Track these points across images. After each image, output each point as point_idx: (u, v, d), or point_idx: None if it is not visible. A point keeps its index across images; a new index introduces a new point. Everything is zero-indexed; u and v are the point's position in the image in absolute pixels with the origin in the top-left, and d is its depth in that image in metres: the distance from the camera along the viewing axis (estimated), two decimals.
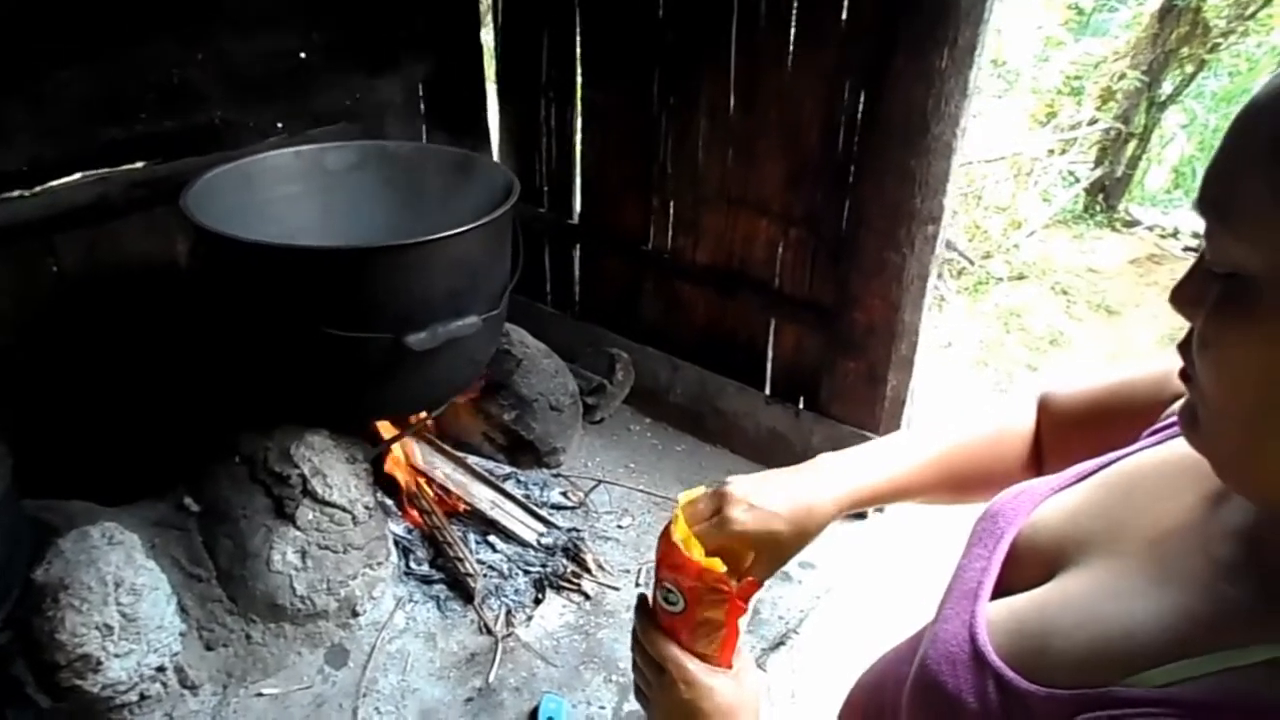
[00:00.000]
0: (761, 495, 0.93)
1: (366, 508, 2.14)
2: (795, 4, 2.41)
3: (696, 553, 0.86)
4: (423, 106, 3.17)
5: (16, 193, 2.36)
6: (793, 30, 2.44)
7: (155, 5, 2.49)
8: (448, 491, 2.44)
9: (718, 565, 0.85)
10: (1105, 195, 6.20)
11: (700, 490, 0.95)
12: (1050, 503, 0.81)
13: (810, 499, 0.94)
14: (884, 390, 2.58)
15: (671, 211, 2.87)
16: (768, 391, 2.87)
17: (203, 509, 2.10)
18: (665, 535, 0.89)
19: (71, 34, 2.35)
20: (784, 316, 2.76)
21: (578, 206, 3.11)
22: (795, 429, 2.75)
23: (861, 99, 2.38)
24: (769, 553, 0.92)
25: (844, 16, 2.35)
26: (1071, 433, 0.99)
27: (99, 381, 2.57)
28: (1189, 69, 5.84)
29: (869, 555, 2.49)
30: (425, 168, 2.48)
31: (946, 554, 0.91)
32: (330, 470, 2.11)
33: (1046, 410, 1.03)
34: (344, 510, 2.09)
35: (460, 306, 2.08)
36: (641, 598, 0.95)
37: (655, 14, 2.66)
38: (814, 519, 0.94)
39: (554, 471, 2.68)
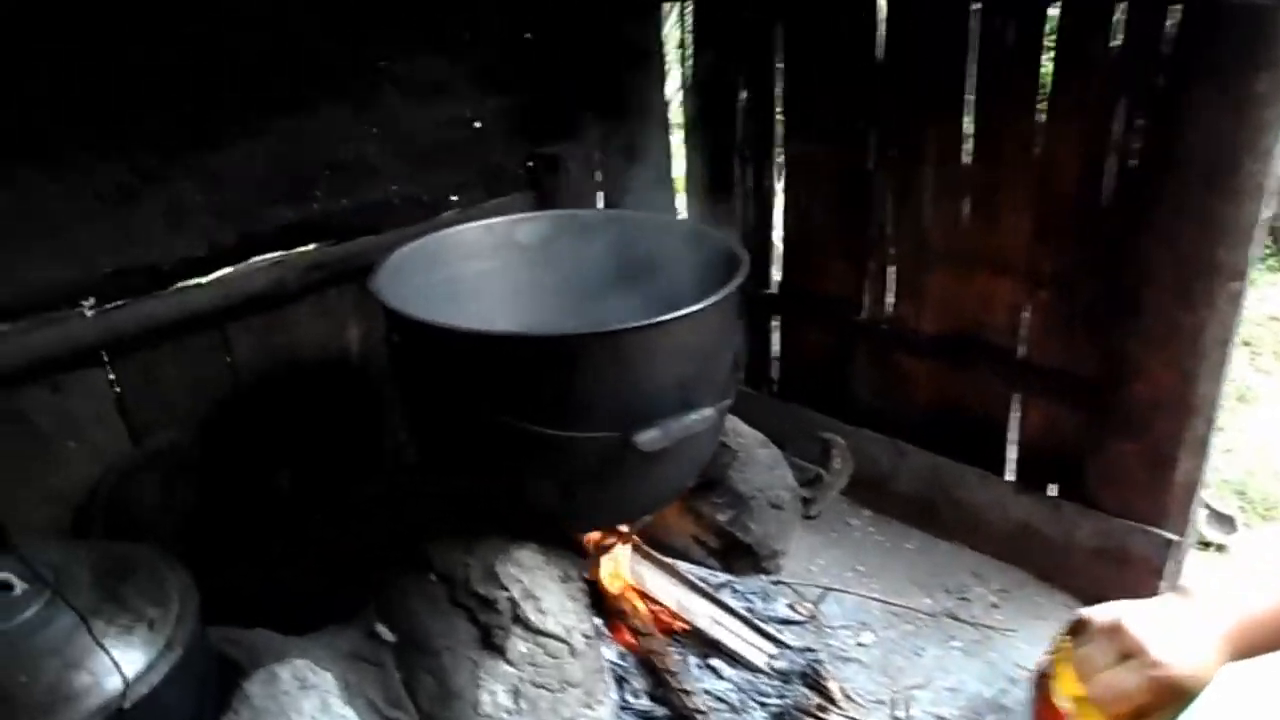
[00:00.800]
0: (1176, 639, 0.83)
1: (585, 636, 1.82)
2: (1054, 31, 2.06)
3: None
4: (599, 171, 2.92)
5: (193, 281, 2.18)
6: (1048, 62, 2.10)
7: (323, 73, 2.31)
8: (662, 607, 2.11)
9: None
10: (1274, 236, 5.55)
11: (1066, 637, 0.88)
12: None
13: (1220, 641, 0.85)
14: (1172, 476, 2.15)
15: (890, 275, 2.52)
16: (1011, 477, 2.46)
17: (399, 638, 1.82)
18: (1042, 692, 0.80)
19: (242, 107, 2.19)
20: (1031, 390, 2.37)
21: (776, 274, 2.80)
22: (1054, 522, 2.33)
23: (1142, 135, 2.00)
24: (1173, 709, 0.83)
25: (1116, 40, 1.99)
26: None
27: (273, 482, 2.35)
28: None
29: None
30: (627, 237, 2.20)
31: None
32: (543, 592, 1.81)
33: None
34: (560, 640, 1.78)
35: (690, 397, 1.78)
36: None
37: (871, 57, 2.35)
38: (1217, 666, 0.86)
39: (774, 578, 2.32)
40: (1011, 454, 2.47)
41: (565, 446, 1.70)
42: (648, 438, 1.68)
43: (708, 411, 1.77)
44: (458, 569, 1.86)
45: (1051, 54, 2.09)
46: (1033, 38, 2.11)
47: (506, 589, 1.80)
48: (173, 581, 1.50)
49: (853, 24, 2.35)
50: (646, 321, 1.64)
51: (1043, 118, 2.14)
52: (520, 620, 1.77)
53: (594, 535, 2.05)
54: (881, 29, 2.32)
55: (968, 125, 2.28)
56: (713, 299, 1.74)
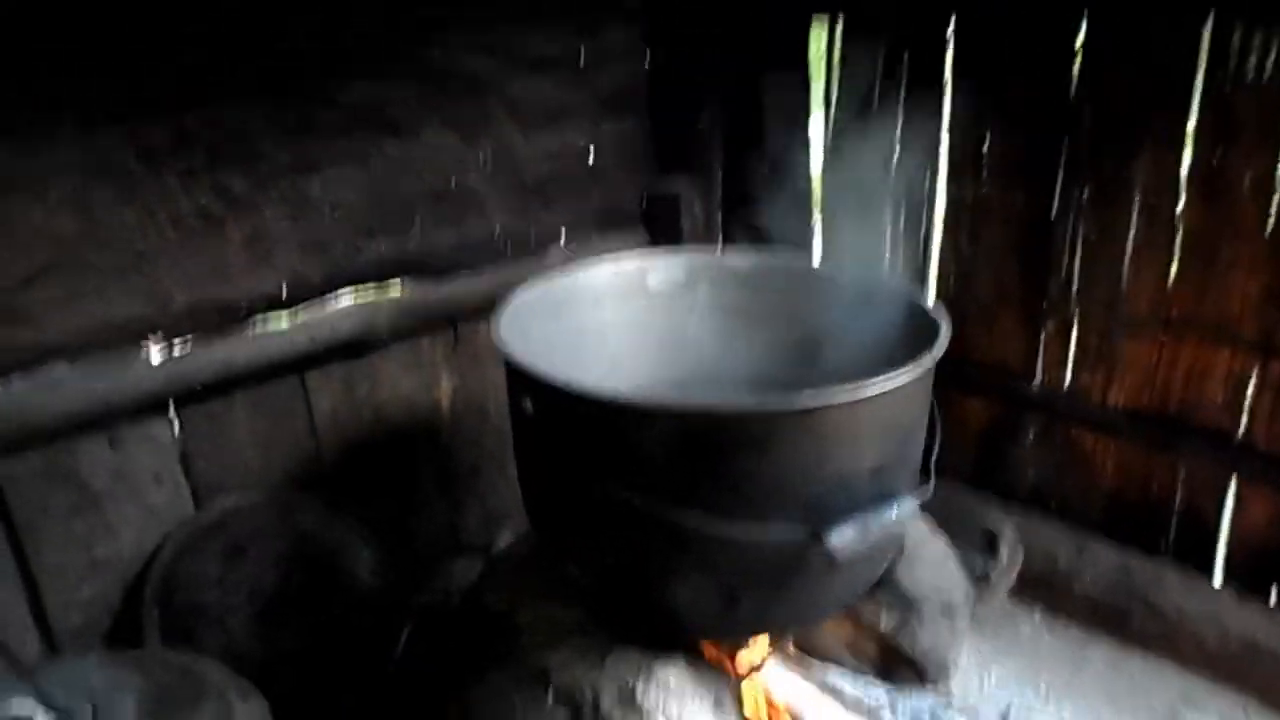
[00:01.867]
0: None
1: None
2: None
3: None
4: (721, 209, 2.60)
5: (273, 320, 1.88)
6: None
7: (433, 92, 2.02)
8: None
9: None
10: None
11: None
12: None
13: None
14: None
15: (1074, 338, 2.15)
16: (1219, 579, 2.06)
17: None
18: None
19: (340, 128, 1.90)
20: (1254, 479, 1.97)
21: None
22: None
23: None
24: None
25: None
26: None
27: (348, 561, 2.02)
28: None
29: None
30: (783, 287, 1.87)
31: None
32: None
33: None
34: None
35: (887, 486, 1.42)
36: None
37: (1065, 83, 2.01)
38: None
39: (942, 696, 1.94)
40: (1220, 551, 2.07)
41: (739, 546, 1.35)
42: (842, 538, 1.32)
43: (908, 505, 1.41)
44: (582, 686, 1.51)
45: None
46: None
47: (650, 718, 1.44)
48: (243, 716, 1.16)
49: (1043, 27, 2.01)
50: (852, 394, 1.29)
51: None
52: None
53: (743, 647, 1.68)
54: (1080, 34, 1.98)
55: (1184, 162, 1.91)
56: (920, 365, 1.39)
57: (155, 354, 1.72)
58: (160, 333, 1.73)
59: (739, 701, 1.60)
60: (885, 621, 1.88)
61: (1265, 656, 1.95)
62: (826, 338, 1.81)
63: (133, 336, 1.72)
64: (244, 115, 1.74)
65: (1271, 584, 1.99)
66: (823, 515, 1.34)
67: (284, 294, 1.91)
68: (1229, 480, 2.01)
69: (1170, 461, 2.08)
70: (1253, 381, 1.93)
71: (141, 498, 1.81)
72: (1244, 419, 1.96)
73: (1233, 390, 1.96)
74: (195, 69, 1.67)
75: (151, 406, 1.76)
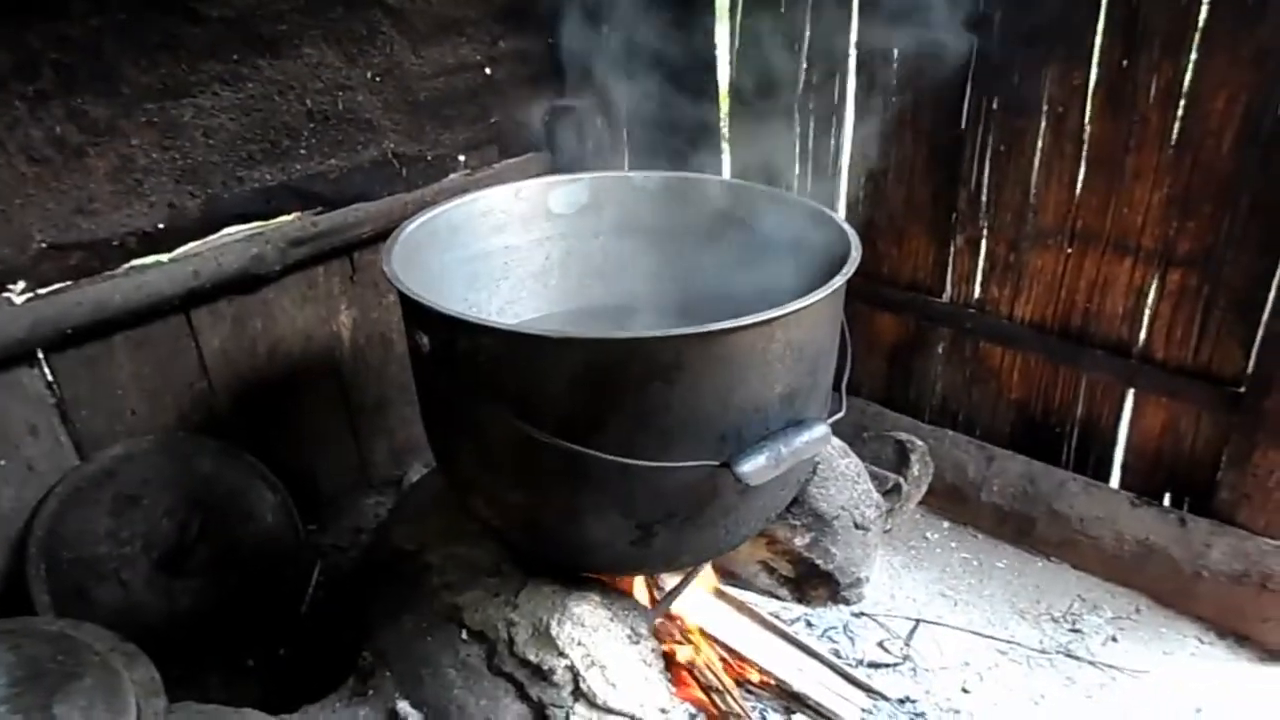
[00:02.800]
0: None
1: (662, 711, 1.45)
2: None
3: None
4: (626, 128, 2.51)
5: (151, 259, 1.75)
6: (1202, 5, 1.72)
7: (307, 5, 1.87)
8: (733, 653, 1.75)
9: None
10: None
11: None
12: None
13: None
14: None
15: (983, 252, 2.15)
16: (1114, 485, 2.13)
17: (426, 718, 1.44)
18: None
19: (209, 46, 1.75)
20: (1151, 389, 2.02)
21: None
22: (1181, 541, 2.00)
23: None
24: None
25: None
26: None
27: (250, 504, 1.94)
28: None
29: None
30: (689, 206, 1.81)
31: None
32: (610, 657, 1.44)
33: None
34: None
35: (799, 411, 1.40)
36: None
37: None
38: None
39: (855, 610, 1.97)
40: (1118, 459, 2.13)
41: (649, 478, 1.32)
42: (754, 466, 1.30)
43: (819, 430, 1.40)
44: (498, 625, 1.48)
45: None
46: None
47: (565, 654, 1.42)
48: (129, 686, 1.09)
49: None
50: (762, 316, 1.25)
51: (1193, 59, 1.77)
52: (583, 695, 1.40)
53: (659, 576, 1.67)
54: None
55: (1092, 72, 1.90)
56: (832, 285, 1.36)
57: (17, 299, 1.59)
58: (20, 277, 1.59)
59: (655, 633, 1.59)
60: (800, 539, 1.89)
61: (1161, 557, 2.03)
62: (736, 258, 1.76)
63: None
64: (95, 31, 1.58)
65: (1165, 489, 2.06)
66: (734, 444, 1.32)
67: (160, 229, 1.77)
68: (1127, 390, 2.05)
69: (1073, 373, 2.11)
70: (1151, 292, 1.96)
71: (17, 452, 1.69)
72: (1143, 330, 2.00)
73: (1133, 301, 1.99)
74: None
75: (18, 355, 1.63)
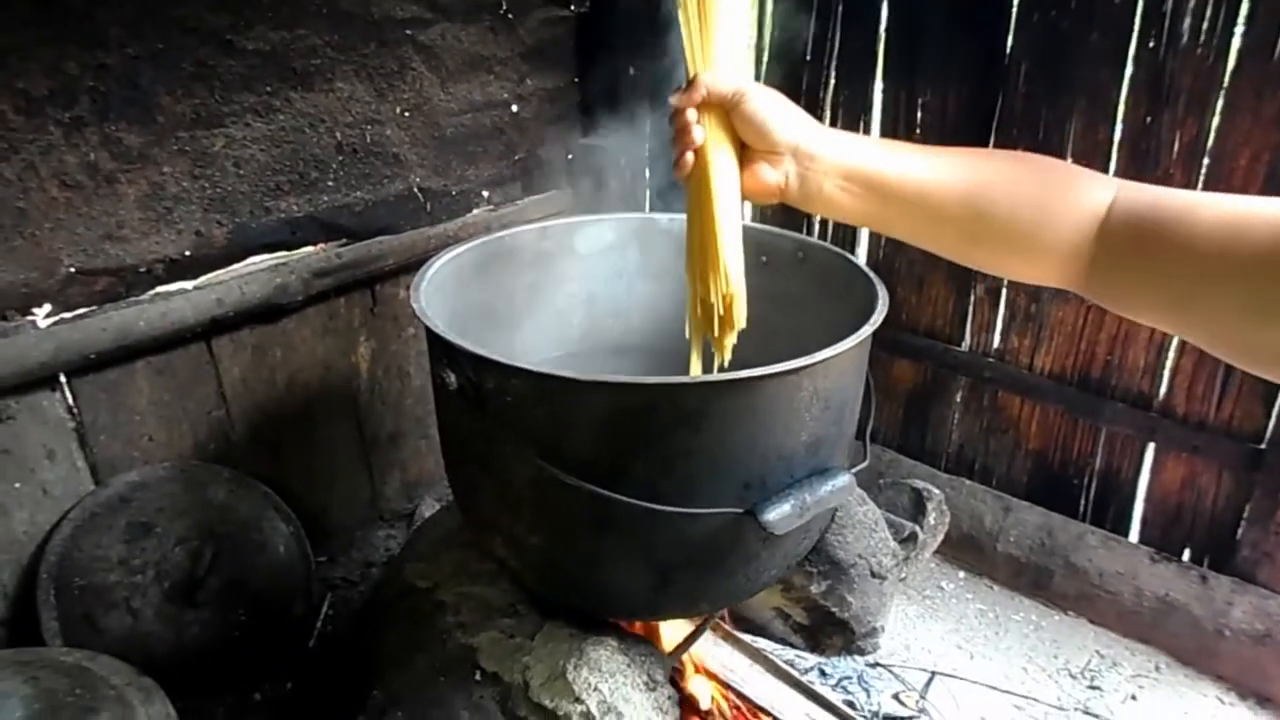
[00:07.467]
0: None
1: None
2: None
3: None
4: (649, 168, 2.53)
5: (176, 286, 1.76)
6: (1233, 50, 1.73)
7: (343, 38, 1.89)
8: (746, 701, 1.73)
9: None
10: None
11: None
12: None
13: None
14: None
15: (1004, 302, 2.15)
16: (1134, 539, 2.11)
17: None
18: None
19: (243, 78, 1.76)
20: (1171, 443, 2.01)
21: None
22: (1202, 599, 1.98)
23: None
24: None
25: None
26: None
27: (263, 535, 1.93)
28: None
29: None
30: None
31: None
32: (626, 705, 1.41)
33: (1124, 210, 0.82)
34: None
35: (823, 460, 1.39)
36: None
37: (1001, 39, 1.98)
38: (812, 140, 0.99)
39: (870, 660, 1.95)
40: (1137, 513, 2.11)
41: (672, 524, 1.30)
42: (779, 515, 1.28)
43: (844, 479, 1.38)
44: (513, 669, 1.46)
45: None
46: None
47: (581, 700, 1.40)
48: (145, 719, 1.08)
49: None
50: (791, 365, 1.25)
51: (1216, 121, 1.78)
52: None
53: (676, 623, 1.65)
54: None
55: (1117, 125, 1.91)
56: (861, 334, 1.35)
57: (42, 322, 1.59)
58: (47, 301, 1.59)
59: (671, 679, 1.57)
60: (815, 586, 1.87)
61: (1178, 614, 2.00)
62: (761, 303, 1.76)
63: (16, 303, 1.58)
64: (132, 61, 1.60)
65: (1184, 545, 2.04)
66: (758, 491, 1.31)
67: (187, 256, 1.78)
68: (1148, 444, 2.04)
69: (1092, 425, 2.10)
70: (1173, 347, 1.96)
71: (33, 476, 1.68)
72: (1164, 384, 1.99)
73: (1154, 355, 1.98)
74: (71, 6, 1.52)
75: (41, 379, 1.63)
